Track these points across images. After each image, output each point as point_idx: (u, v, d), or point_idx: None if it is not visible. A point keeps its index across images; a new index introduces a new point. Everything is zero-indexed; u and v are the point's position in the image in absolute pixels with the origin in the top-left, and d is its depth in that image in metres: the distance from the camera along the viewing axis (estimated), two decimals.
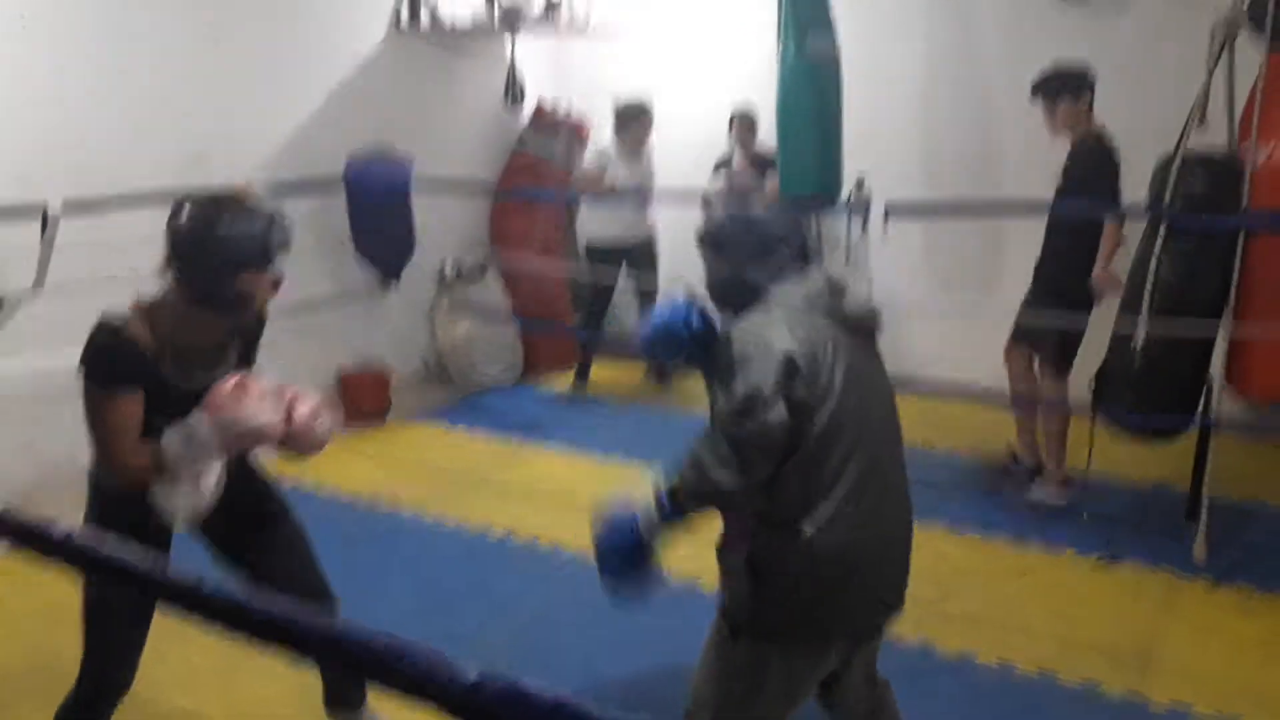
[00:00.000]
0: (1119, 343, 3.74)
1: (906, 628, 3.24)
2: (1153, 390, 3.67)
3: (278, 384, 2.22)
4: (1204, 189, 3.49)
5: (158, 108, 4.67)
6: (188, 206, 2.11)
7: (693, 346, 2.21)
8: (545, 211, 6.27)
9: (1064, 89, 4.01)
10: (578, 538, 3.95)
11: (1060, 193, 4.06)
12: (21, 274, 3.99)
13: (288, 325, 5.19)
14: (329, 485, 4.57)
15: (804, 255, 2.18)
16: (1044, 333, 4.08)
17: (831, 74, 4.63)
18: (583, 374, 5.97)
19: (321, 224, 5.39)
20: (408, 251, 5.39)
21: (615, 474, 4.70)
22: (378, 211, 5.23)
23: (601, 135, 5.81)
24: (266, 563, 2.45)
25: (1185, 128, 3.59)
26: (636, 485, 2.18)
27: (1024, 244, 5.26)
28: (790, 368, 1.95)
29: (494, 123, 6.33)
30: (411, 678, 0.92)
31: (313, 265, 5.41)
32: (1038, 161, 5.15)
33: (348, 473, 4.72)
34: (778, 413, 1.92)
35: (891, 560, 2.13)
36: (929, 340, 5.61)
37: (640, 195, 5.68)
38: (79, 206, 4.05)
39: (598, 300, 5.94)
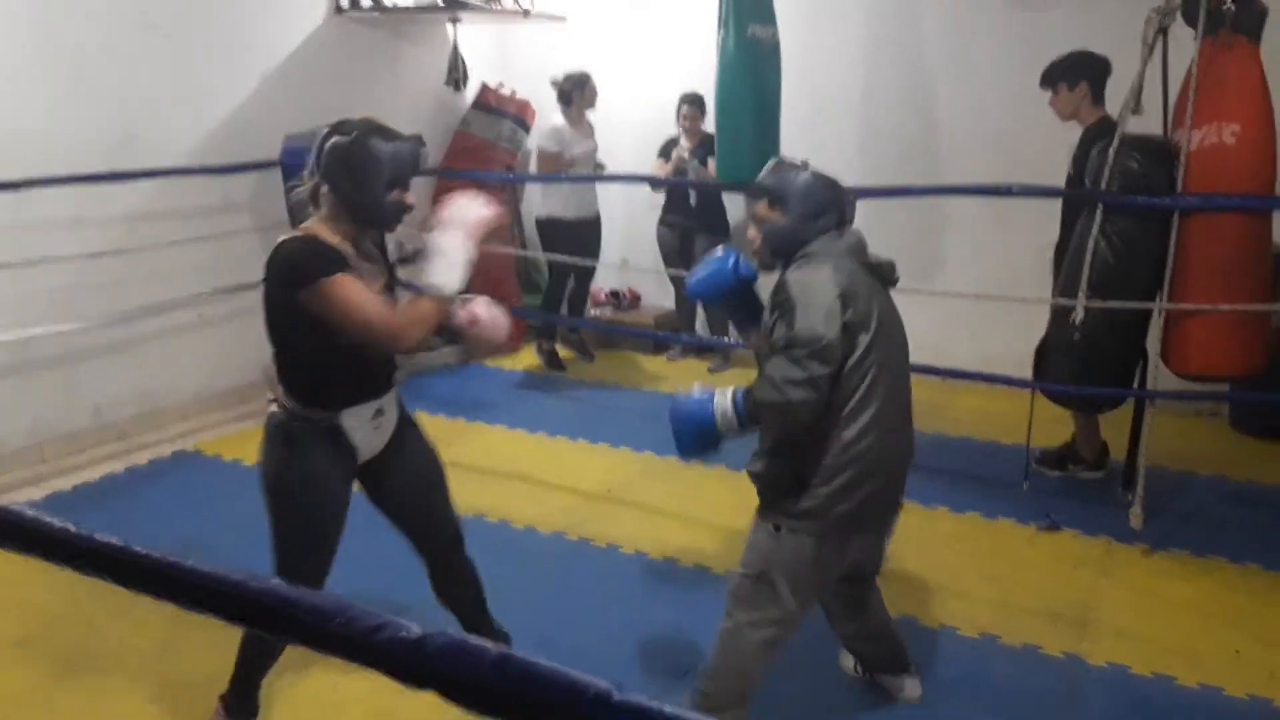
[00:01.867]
0: (1059, 319, 3.81)
1: None
2: (1090, 365, 3.74)
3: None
4: (1140, 172, 3.56)
5: (84, 88, 4.54)
6: (343, 129, 2.25)
7: (738, 291, 2.63)
8: (489, 193, 6.21)
9: (1060, 77, 4.08)
10: (526, 513, 3.98)
11: (1070, 181, 4.11)
12: None
13: (226, 307, 5.14)
14: None
15: (844, 218, 2.49)
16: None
17: (770, 61, 4.64)
18: (552, 355, 6.00)
19: (260, 207, 5.29)
20: None
21: (565, 452, 4.70)
22: None
23: (548, 119, 5.77)
24: (412, 499, 2.61)
25: (1121, 114, 3.66)
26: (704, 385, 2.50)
27: (963, 229, 5.38)
28: (843, 302, 2.29)
29: (437, 105, 6.25)
30: (351, 636, 0.90)
31: (251, 248, 5.31)
32: (973, 147, 5.26)
33: None
34: (836, 342, 2.26)
35: (902, 465, 2.51)
36: None
37: (595, 171, 5.73)
38: (2, 186, 3.94)
39: (556, 280, 5.95)
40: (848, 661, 2.94)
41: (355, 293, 2.21)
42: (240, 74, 5.20)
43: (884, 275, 2.51)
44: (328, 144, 2.24)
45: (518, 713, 0.82)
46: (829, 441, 2.34)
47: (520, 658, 0.82)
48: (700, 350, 6.21)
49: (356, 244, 2.33)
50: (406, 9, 5.77)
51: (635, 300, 6.59)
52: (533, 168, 6.20)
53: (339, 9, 5.63)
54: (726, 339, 5.89)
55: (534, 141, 6.02)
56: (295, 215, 2.39)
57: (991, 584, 3.44)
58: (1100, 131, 3.94)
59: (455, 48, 6.01)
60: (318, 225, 2.30)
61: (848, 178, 4.89)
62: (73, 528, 1.10)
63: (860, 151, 5.62)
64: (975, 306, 4.34)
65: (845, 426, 2.33)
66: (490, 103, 6.24)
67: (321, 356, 2.30)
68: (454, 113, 6.32)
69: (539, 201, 5.91)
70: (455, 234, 2.31)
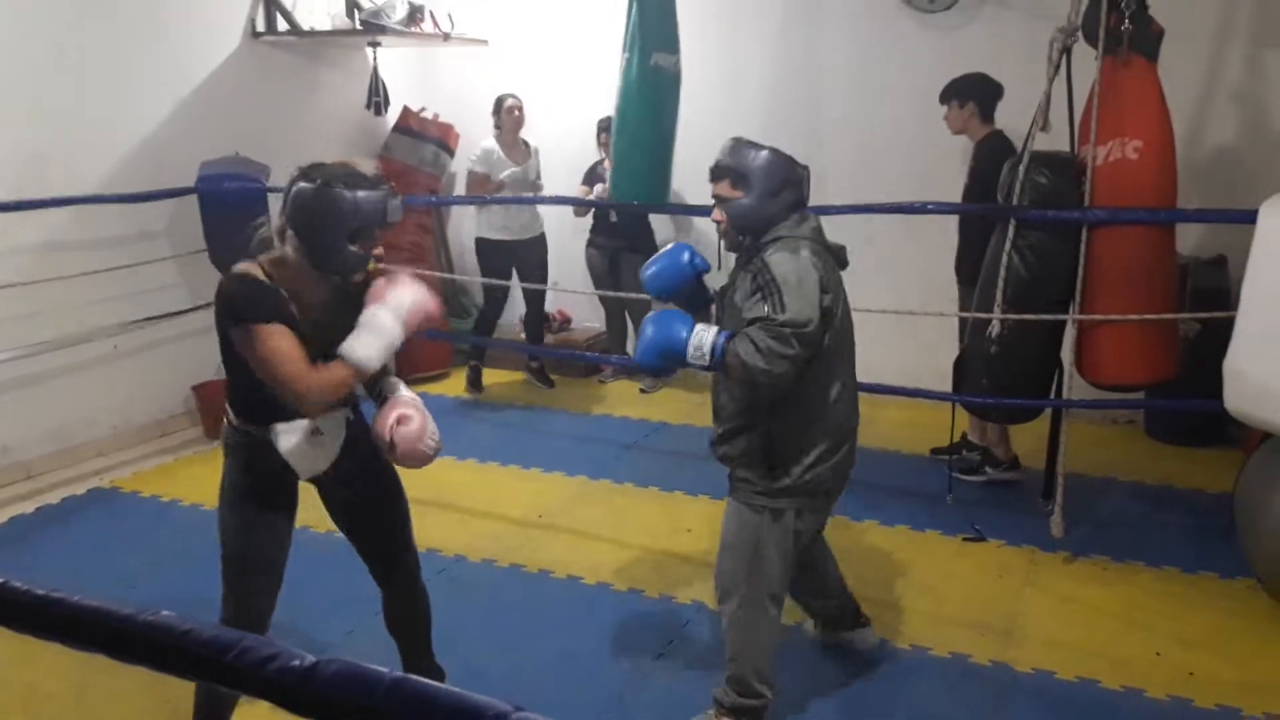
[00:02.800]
0: (976, 332, 3.89)
1: (783, 607, 3.34)
2: (1008, 376, 3.82)
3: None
4: (1049, 187, 3.66)
5: None
6: (310, 174, 2.23)
7: (694, 282, 2.73)
8: (414, 217, 6.17)
9: (953, 95, 4.35)
10: (456, 541, 3.92)
11: (966, 191, 4.31)
12: None
13: (142, 339, 5.00)
14: (192, 498, 4.37)
15: (803, 197, 2.59)
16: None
17: (670, 90, 4.65)
18: (476, 379, 5.96)
19: (177, 235, 5.16)
20: None
21: (495, 478, 4.64)
22: (233, 221, 5.02)
23: (480, 141, 5.74)
24: (361, 524, 2.61)
25: (1030, 131, 3.76)
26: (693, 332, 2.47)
27: (880, 246, 5.48)
28: (822, 286, 2.43)
29: (358, 130, 6.19)
30: (243, 668, 0.87)
31: (168, 277, 5.19)
32: (886, 165, 5.37)
33: (210, 484, 4.45)
34: (820, 326, 2.40)
35: (856, 436, 2.69)
36: None
37: (530, 193, 5.72)
38: None
39: (490, 303, 5.92)
40: (809, 624, 3.14)
41: (277, 344, 2.19)
42: (155, 100, 5.08)
43: (840, 258, 2.65)
44: (294, 188, 2.23)
45: None
46: (804, 417, 2.49)
47: (415, 681, 0.80)
48: (632, 371, 6.21)
49: (308, 291, 2.28)
50: (324, 33, 5.71)
51: (566, 322, 6.57)
52: (461, 190, 6.17)
53: (255, 34, 5.55)
54: None
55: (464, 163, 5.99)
56: (254, 253, 2.36)
57: (921, 595, 3.48)
58: (991, 147, 4.16)
59: (375, 71, 5.97)
60: (268, 265, 2.28)
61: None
62: None
63: None
64: (895, 322, 4.41)
65: (818, 402, 2.50)
66: (412, 127, 6.19)
67: (254, 375, 2.27)
68: (375, 137, 6.26)
69: (477, 221, 5.88)
70: (390, 315, 2.27)
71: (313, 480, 2.50)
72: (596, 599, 3.51)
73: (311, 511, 2.53)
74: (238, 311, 2.21)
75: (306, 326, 2.25)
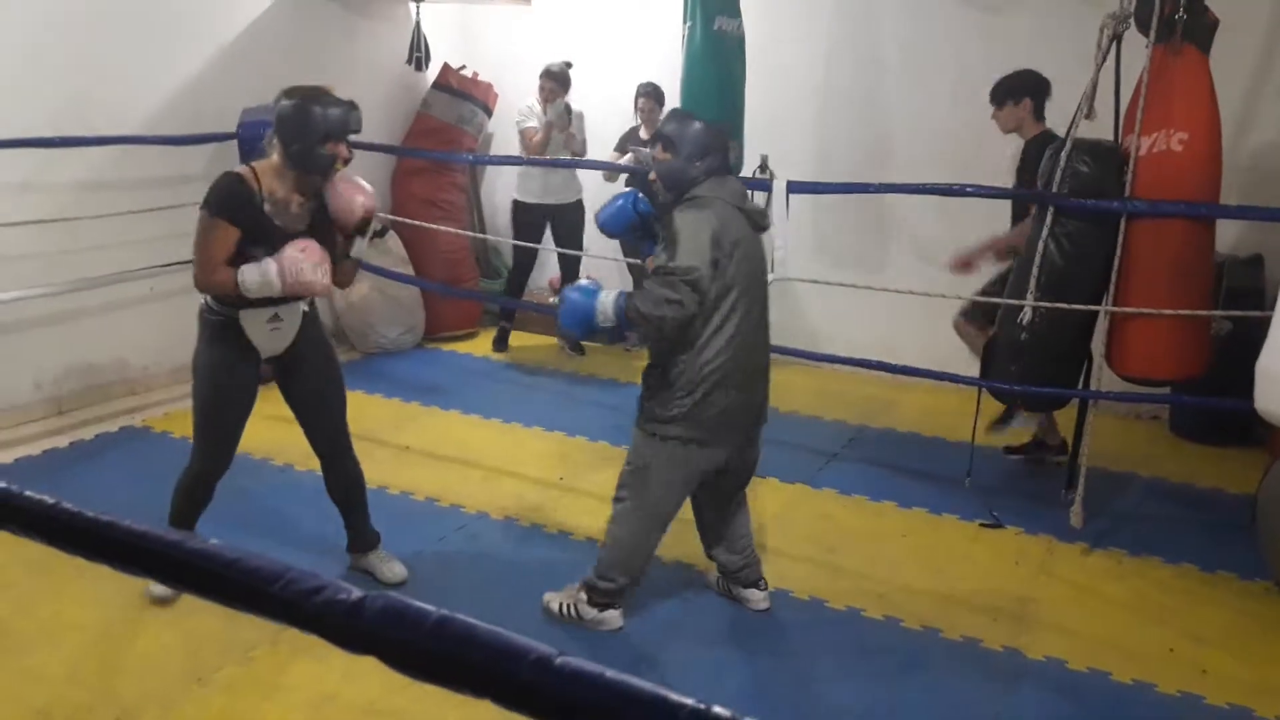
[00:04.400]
0: (1006, 318, 3.87)
1: (796, 582, 3.38)
2: (1036, 364, 3.80)
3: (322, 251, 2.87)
4: (1090, 175, 3.62)
5: (36, 52, 4.42)
6: (291, 94, 2.83)
7: (639, 224, 3.16)
8: (449, 175, 6.18)
9: (1007, 94, 4.19)
10: (478, 499, 3.96)
11: (1016, 188, 4.21)
12: None
13: (179, 281, 5.03)
14: None
15: (727, 165, 2.96)
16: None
17: (736, 54, 4.64)
18: (503, 339, 6.00)
19: (214, 179, 5.18)
20: None
21: (519, 439, 4.67)
22: None
23: (510, 105, 5.74)
24: (308, 407, 3.16)
25: (1074, 118, 3.72)
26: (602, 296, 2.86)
27: (913, 229, 5.45)
28: (716, 241, 2.75)
29: (398, 85, 6.18)
30: (290, 599, 0.89)
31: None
32: (927, 148, 5.32)
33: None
34: (705, 273, 2.72)
35: (759, 385, 2.98)
36: (822, 317, 5.73)
37: (569, 155, 5.71)
38: None
39: (519, 265, 5.94)
40: (711, 577, 3.36)
41: (212, 237, 2.79)
42: (198, 45, 5.09)
43: (755, 220, 2.96)
44: (278, 105, 2.85)
45: (458, 676, 0.81)
46: (692, 360, 2.81)
47: (461, 620, 0.82)
48: None
49: (286, 187, 2.87)
50: None
51: None
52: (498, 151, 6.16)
53: None
54: None
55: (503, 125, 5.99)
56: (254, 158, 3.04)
57: (935, 578, 3.49)
58: (1041, 145, 4.04)
59: (417, 26, 5.95)
60: (263, 165, 2.88)
61: (803, 172, 4.97)
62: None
63: (818, 147, 5.65)
64: (924, 305, 4.39)
65: (705, 349, 2.81)
66: (452, 84, 6.18)
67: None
68: (415, 93, 6.26)
69: (515, 183, 5.89)
70: (278, 274, 2.77)
71: (273, 363, 3.05)
72: None
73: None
74: (207, 197, 2.82)
75: (280, 217, 2.86)
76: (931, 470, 4.39)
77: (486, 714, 2.74)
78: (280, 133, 2.83)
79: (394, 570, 3.34)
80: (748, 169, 5.09)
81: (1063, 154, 3.66)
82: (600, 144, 5.86)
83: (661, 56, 5.55)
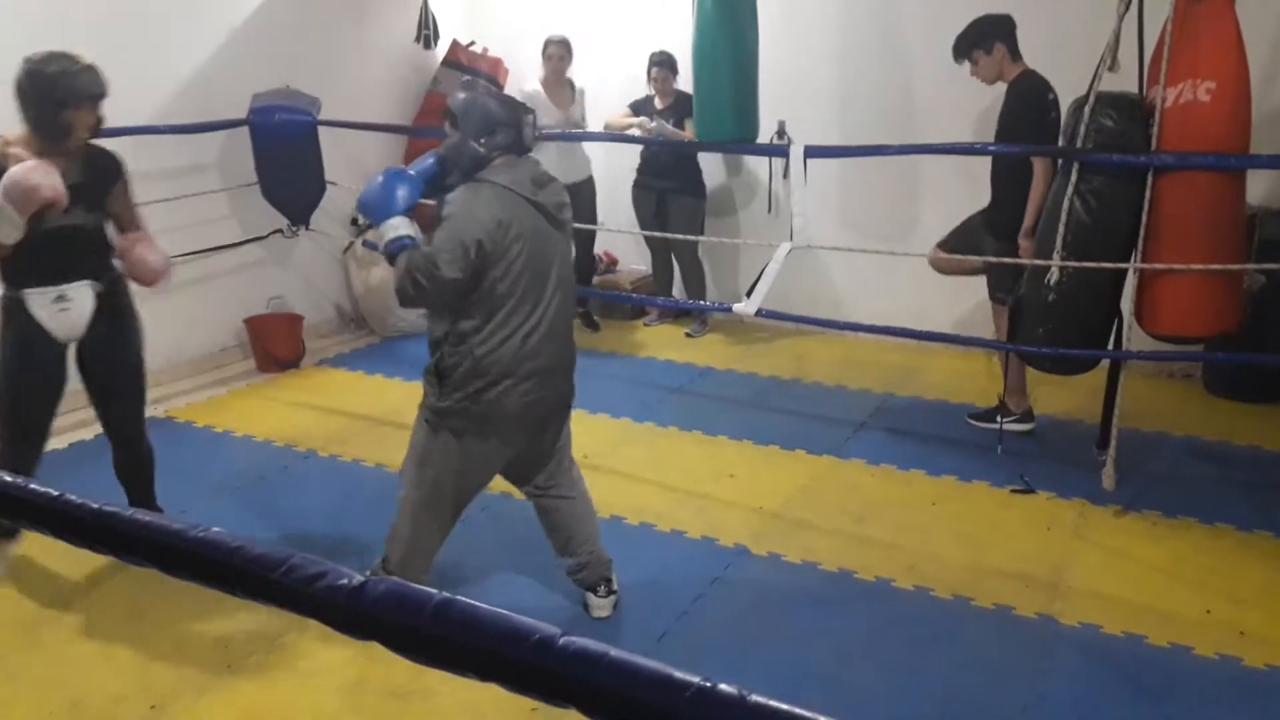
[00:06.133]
0: (1033, 278, 3.79)
1: (825, 555, 3.34)
2: (1065, 325, 3.73)
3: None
4: (1115, 129, 3.53)
5: (43, 45, 4.39)
6: (25, 62, 2.73)
7: (405, 206, 2.73)
8: None
9: (972, 45, 4.07)
10: (498, 479, 3.93)
11: (997, 138, 4.10)
12: None
13: (194, 271, 5.05)
14: (244, 429, 4.45)
15: (521, 143, 2.71)
16: (1000, 275, 4.13)
17: (748, 18, 4.56)
18: None
19: (229, 167, 5.18)
20: (316, 195, 5.22)
21: None
22: (284, 154, 5.03)
23: (522, 85, 5.68)
24: (100, 391, 3.16)
25: (1097, 71, 3.62)
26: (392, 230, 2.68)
27: (937, 192, 5.35)
28: (488, 230, 2.55)
29: (407, 63, 6.15)
30: (291, 585, 0.87)
31: (220, 210, 5.22)
32: (948, 108, 5.21)
33: (262, 417, 4.61)
34: (460, 265, 2.53)
35: (551, 381, 2.79)
36: (845, 284, 5.67)
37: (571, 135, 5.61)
38: None
39: None
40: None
41: None
42: (205, 32, 5.08)
43: (551, 214, 2.73)
44: (16, 72, 2.74)
45: (461, 659, 0.79)
46: (467, 354, 2.64)
47: (463, 602, 0.79)
48: (678, 314, 6.17)
49: (48, 157, 2.77)
50: None
51: (612, 264, 6.53)
52: None
53: None
54: (705, 302, 5.85)
55: None
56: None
57: (966, 546, 3.44)
58: (1024, 84, 3.95)
59: (425, 4, 5.92)
60: (12, 141, 2.81)
61: (825, 137, 4.89)
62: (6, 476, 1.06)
63: (839, 112, 5.56)
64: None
65: (482, 343, 2.63)
66: (461, 61, 6.13)
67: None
68: (425, 71, 6.22)
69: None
70: (9, 206, 2.69)
71: (79, 348, 3.03)
72: (639, 539, 3.52)
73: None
74: None
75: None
76: (960, 437, 4.33)
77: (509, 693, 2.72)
78: (20, 103, 2.77)
79: None
80: (765, 135, 5.01)
81: (1086, 108, 3.57)
82: (606, 116, 5.79)
83: (670, 25, 5.47)
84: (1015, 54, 4.05)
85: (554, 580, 3.16)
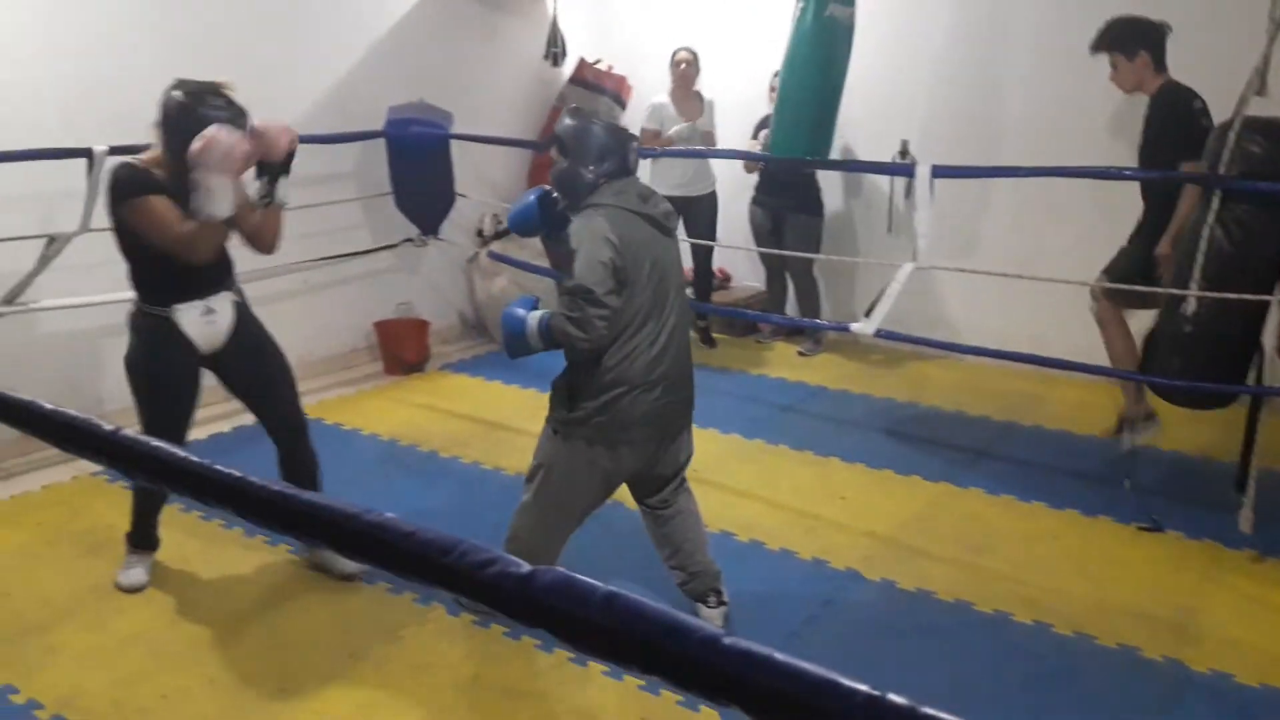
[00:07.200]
0: (1169, 308, 3.66)
1: (941, 585, 3.28)
2: (1201, 358, 3.58)
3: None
4: (1262, 156, 3.39)
5: (194, 58, 4.64)
6: (180, 89, 2.79)
7: (542, 223, 2.94)
8: None
9: (1113, 44, 3.95)
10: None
11: (1141, 152, 4.00)
12: (68, 215, 4.05)
13: (329, 275, 5.27)
14: (371, 428, 4.62)
15: (627, 166, 2.81)
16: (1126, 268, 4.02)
17: (843, 42, 4.52)
18: None
19: (364, 177, 5.39)
20: (447, 206, 5.39)
21: None
22: (417, 165, 5.22)
23: (651, 97, 5.76)
24: (257, 393, 3.19)
25: (1243, 94, 3.48)
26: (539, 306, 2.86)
27: (1066, 216, 5.20)
28: (616, 250, 2.64)
29: (535, 80, 6.30)
30: (462, 570, 0.91)
31: (352, 217, 5.43)
32: (1068, 131, 5.06)
33: (388, 416, 4.78)
34: (606, 288, 2.63)
35: (675, 390, 2.86)
36: (964, 307, 5.55)
37: (701, 148, 5.66)
38: (121, 151, 4.07)
39: None
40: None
41: (160, 210, 2.77)
42: (343, 47, 5.31)
43: (660, 224, 2.82)
44: (164, 99, 2.79)
45: (625, 651, 0.81)
46: (597, 366, 2.72)
47: (629, 596, 0.82)
48: (791, 332, 6.14)
49: (174, 177, 2.79)
50: None
51: (726, 280, 6.55)
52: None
53: None
54: (819, 321, 5.81)
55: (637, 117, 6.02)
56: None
57: (1088, 582, 3.34)
58: (1167, 96, 3.80)
59: (555, 21, 6.05)
60: (146, 157, 2.87)
61: (934, 157, 4.82)
62: (178, 451, 1.13)
63: (952, 132, 5.46)
64: (1077, 294, 4.19)
65: (612, 355, 2.72)
66: (587, 78, 6.26)
67: (151, 262, 2.87)
68: (552, 88, 6.36)
69: (649, 176, 5.91)
70: (212, 173, 2.71)
71: (214, 359, 3.05)
72: (749, 556, 3.52)
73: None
74: (124, 189, 2.78)
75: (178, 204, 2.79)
76: (1084, 469, 4.20)
77: (621, 698, 2.76)
78: (164, 128, 2.79)
79: (349, 563, 3.19)
80: (886, 154, 4.97)
81: (1231, 133, 3.43)
82: (734, 129, 5.82)
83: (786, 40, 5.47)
84: (1160, 65, 3.91)
85: (664, 588, 3.18)
